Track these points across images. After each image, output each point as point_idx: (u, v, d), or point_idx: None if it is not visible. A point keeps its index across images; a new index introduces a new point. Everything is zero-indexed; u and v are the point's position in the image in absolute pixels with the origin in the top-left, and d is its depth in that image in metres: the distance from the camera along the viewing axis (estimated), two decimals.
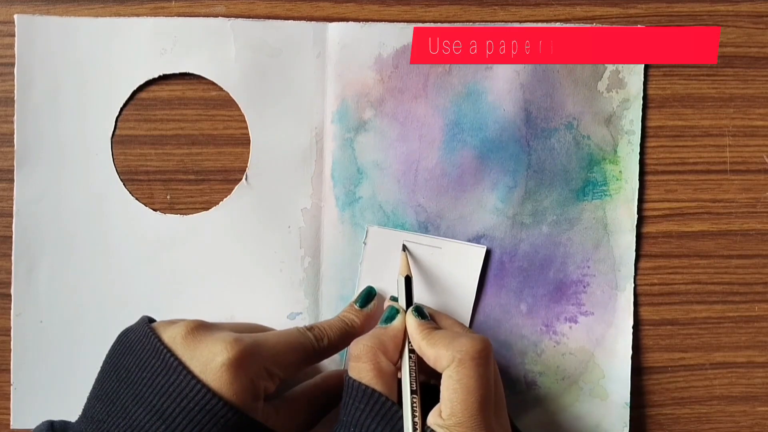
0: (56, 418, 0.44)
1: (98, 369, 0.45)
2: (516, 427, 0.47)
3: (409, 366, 0.45)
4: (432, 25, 0.53)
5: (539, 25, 0.53)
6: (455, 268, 0.53)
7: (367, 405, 0.43)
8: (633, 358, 0.53)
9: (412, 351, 0.46)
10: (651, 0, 0.54)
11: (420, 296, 0.52)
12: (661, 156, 0.54)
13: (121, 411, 0.41)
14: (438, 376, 0.44)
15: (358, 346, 0.45)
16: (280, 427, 0.45)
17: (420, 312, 0.47)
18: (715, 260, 0.54)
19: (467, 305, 0.53)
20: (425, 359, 0.45)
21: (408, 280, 0.49)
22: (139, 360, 0.43)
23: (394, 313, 0.47)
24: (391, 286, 0.52)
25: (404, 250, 0.52)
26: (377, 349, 0.45)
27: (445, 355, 0.42)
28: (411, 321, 0.46)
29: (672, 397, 0.54)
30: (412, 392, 0.43)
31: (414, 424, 0.42)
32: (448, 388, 0.42)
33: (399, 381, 0.45)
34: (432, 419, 0.42)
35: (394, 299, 0.50)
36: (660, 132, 0.54)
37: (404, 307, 0.48)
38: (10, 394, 0.53)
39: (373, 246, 0.53)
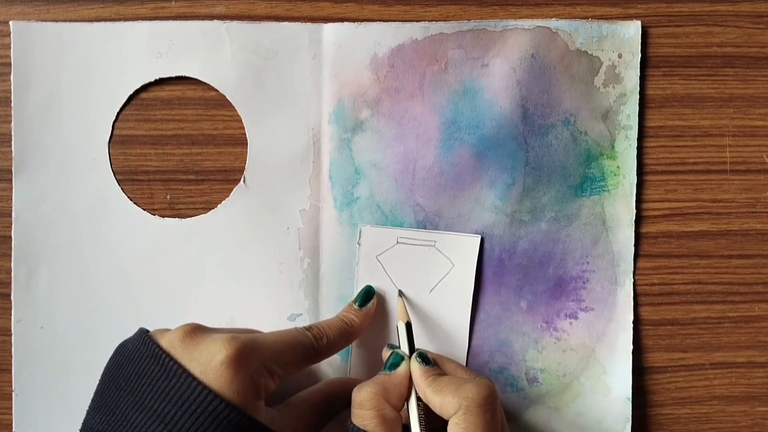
0: (58, 424, 0.44)
1: (100, 374, 0.45)
2: None
3: (418, 414, 0.44)
4: (432, 24, 0.53)
5: (539, 24, 0.53)
6: (451, 261, 0.52)
7: None
8: (633, 357, 0.53)
9: (419, 399, 0.45)
10: (651, 0, 0.54)
11: (418, 293, 0.52)
12: (660, 156, 0.54)
13: (122, 419, 0.41)
14: (442, 422, 0.43)
15: (362, 393, 0.44)
16: (283, 430, 0.45)
17: (424, 358, 0.46)
18: (715, 260, 0.54)
19: (466, 298, 0.53)
20: (431, 406, 0.44)
21: (408, 326, 0.49)
22: (138, 367, 0.43)
23: (398, 360, 0.46)
24: (388, 285, 0.52)
25: (400, 296, 0.52)
26: (381, 396, 0.44)
27: (452, 403, 0.42)
28: (416, 368, 0.46)
29: (672, 397, 0.54)
30: None
31: None
32: None
33: (403, 428, 0.44)
34: None
35: (393, 347, 0.49)
36: (660, 132, 0.54)
37: (407, 353, 0.47)
38: (10, 394, 0.53)
39: (367, 245, 0.52)
